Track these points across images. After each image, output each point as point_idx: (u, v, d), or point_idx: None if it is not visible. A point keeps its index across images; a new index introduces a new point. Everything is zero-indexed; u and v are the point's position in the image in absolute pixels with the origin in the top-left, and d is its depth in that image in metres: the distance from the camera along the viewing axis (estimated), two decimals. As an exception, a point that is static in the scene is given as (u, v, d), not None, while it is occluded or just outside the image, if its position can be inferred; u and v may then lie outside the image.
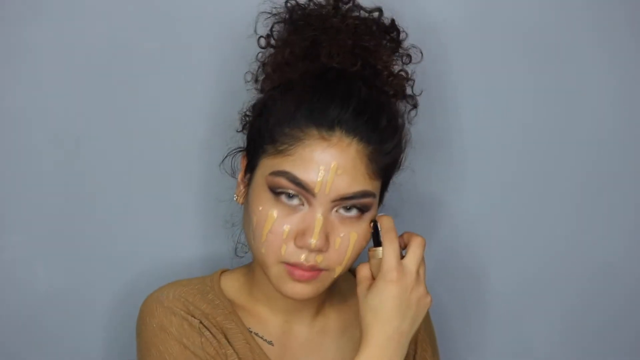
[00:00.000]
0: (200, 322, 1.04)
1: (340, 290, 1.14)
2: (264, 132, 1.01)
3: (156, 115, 1.26)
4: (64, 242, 1.27)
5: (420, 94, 1.12)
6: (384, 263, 0.99)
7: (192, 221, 1.29)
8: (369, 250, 1.03)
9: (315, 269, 1.00)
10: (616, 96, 1.32)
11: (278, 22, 1.08)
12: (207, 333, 1.04)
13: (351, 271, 1.16)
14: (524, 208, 1.34)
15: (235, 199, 1.08)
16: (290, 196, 0.99)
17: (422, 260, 1.01)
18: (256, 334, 1.08)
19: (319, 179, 0.97)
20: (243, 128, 1.10)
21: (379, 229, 1.01)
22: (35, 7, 1.20)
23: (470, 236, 1.34)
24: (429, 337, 1.16)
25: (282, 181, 0.98)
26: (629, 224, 1.36)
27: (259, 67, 1.10)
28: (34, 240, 1.26)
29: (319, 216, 0.98)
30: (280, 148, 0.99)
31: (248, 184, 1.05)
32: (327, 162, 0.97)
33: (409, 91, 1.11)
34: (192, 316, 1.04)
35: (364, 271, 1.02)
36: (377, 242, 1.02)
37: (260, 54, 1.10)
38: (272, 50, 1.08)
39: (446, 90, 1.28)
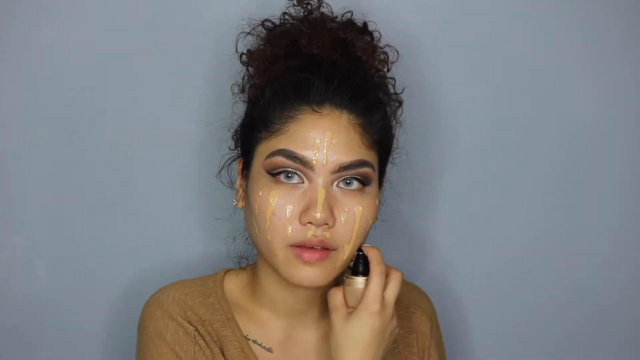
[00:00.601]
0: (196, 330, 1.05)
1: None
2: (256, 121, 1.02)
3: (154, 117, 1.26)
4: (64, 242, 1.27)
5: (403, 91, 1.13)
6: (370, 295, 0.99)
7: (193, 221, 1.29)
8: (345, 276, 1.03)
9: (324, 247, 0.99)
10: (595, 91, 1.33)
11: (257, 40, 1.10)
12: (201, 341, 1.04)
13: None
14: (515, 206, 1.36)
15: (234, 204, 1.08)
16: (288, 175, 0.99)
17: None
18: (254, 341, 1.07)
19: (315, 151, 0.98)
20: (236, 146, 1.11)
21: (359, 258, 1.01)
22: (29, 10, 1.21)
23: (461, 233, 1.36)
24: (436, 343, 1.15)
25: (280, 159, 0.98)
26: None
27: (244, 77, 1.10)
28: (34, 240, 1.26)
29: (320, 188, 0.98)
30: (274, 130, 1.00)
31: (246, 183, 1.05)
32: (321, 133, 0.98)
33: (390, 89, 1.12)
34: (189, 322, 1.05)
35: (338, 298, 1.01)
36: (356, 271, 1.01)
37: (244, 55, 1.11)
38: (252, 66, 1.09)
39: (429, 88, 1.29)
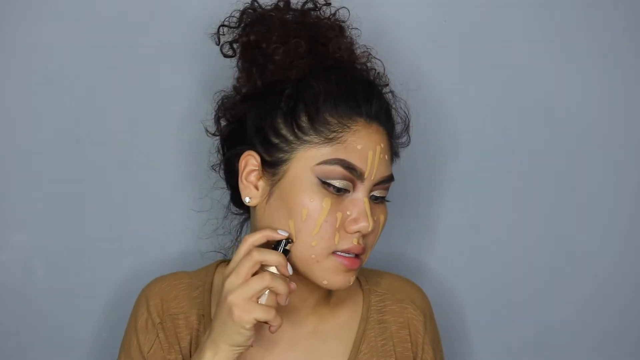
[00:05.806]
0: (161, 323, 1.08)
1: (338, 291, 1.12)
2: (302, 124, 1.01)
3: (152, 117, 1.27)
4: (64, 242, 1.27)
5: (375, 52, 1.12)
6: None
7: (191, 220, 1.29)
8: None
9: (359, 253, 1.01)
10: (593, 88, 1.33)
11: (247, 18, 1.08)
12: (161, 335, 1.08)
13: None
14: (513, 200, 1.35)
15: (247, 202, 1.04)
16: (338, 185, 1.00)
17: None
18: None
19: (368, 164, 1.00)
20: (216, 130, 1.10)
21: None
22: (29, 10, 1.22)
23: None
24: (430, 340, 1.13)
25: (338, 169, 0.99)
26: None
27: (241, 72, 1.07)
28: (34, 240, 1.27)
29: (365, 199, 1.01)
30: (330, 136, 1.00)
31: (273, 184, 1.02)
32: (374, 146, 1.01)
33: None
34: (158, 315, 1.08)
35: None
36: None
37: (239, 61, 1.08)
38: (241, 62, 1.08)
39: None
